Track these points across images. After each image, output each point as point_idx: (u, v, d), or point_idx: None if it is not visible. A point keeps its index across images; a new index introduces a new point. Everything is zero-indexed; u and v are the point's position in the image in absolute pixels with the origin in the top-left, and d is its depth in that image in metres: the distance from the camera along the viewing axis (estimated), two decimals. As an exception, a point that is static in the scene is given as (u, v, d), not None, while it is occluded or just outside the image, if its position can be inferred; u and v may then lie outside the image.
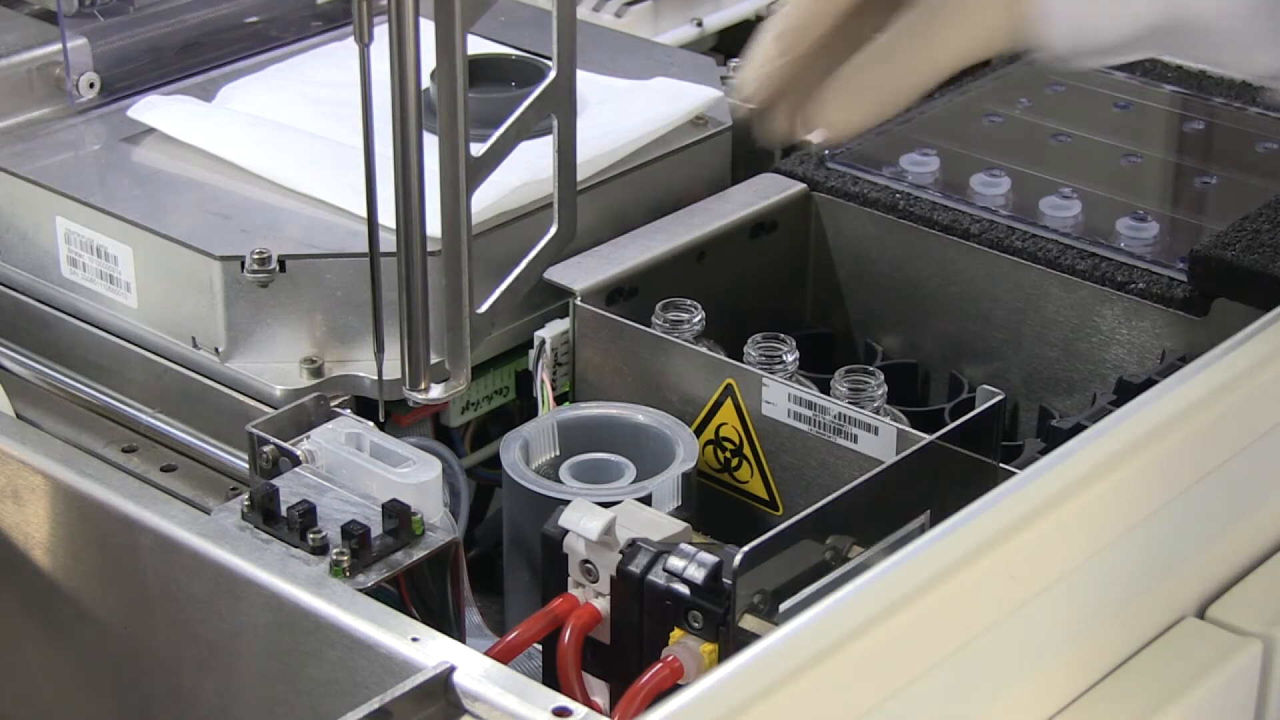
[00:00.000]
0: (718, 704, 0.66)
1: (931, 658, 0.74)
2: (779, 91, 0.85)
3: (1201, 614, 0.87)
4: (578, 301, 0.98)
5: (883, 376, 0.96)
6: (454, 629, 0.86)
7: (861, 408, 0.93)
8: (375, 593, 0.82)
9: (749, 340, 0.97)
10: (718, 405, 0.96)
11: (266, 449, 0.88)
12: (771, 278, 1.08)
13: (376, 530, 0.83)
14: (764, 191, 1.07)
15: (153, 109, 1.06)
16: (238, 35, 1.15)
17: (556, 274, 0.97)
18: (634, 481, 0.93)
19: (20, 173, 1.02)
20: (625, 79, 1.13)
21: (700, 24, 1.34)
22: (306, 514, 0.84)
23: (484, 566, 1.00)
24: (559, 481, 0.93)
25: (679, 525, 0.87)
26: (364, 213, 0.86)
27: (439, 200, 0.85)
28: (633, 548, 0.83)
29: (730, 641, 0.80)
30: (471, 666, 0.77)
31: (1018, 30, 0.80)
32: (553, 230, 0.95)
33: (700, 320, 0.98)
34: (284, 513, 0.84)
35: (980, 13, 0.81)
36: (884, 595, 0.71)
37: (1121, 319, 1.02)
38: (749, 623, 0.80)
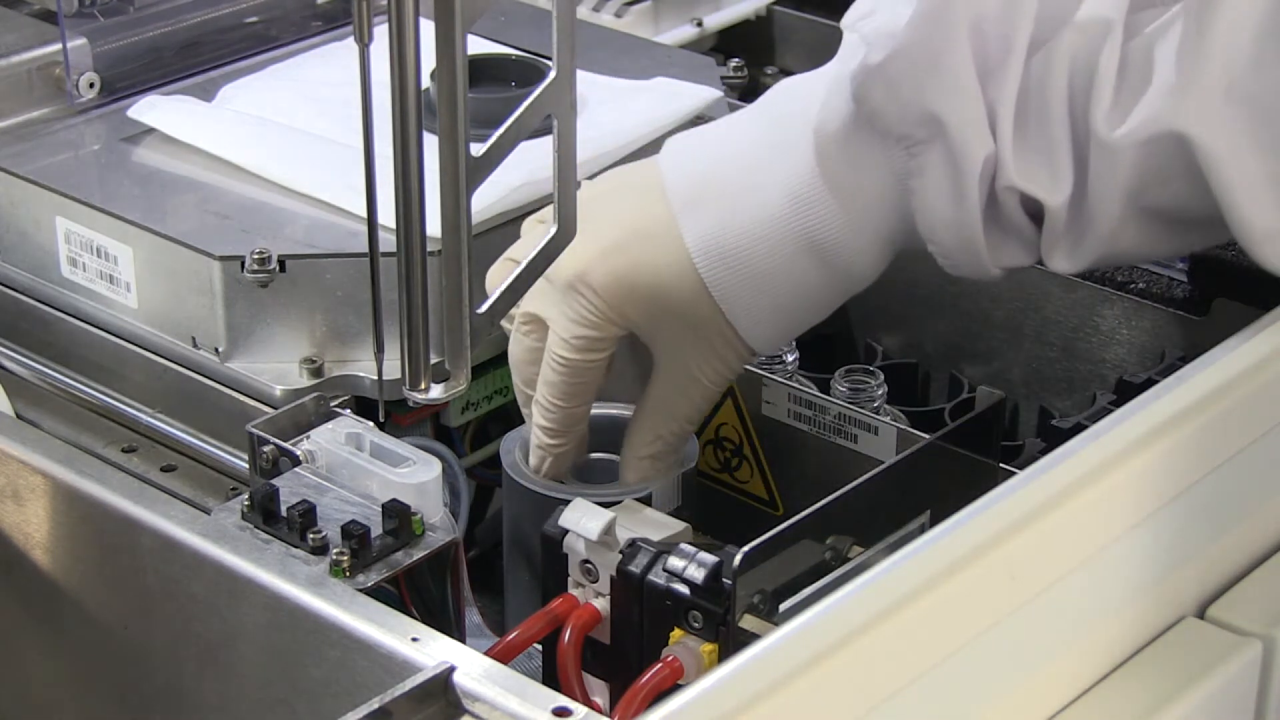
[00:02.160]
0: (718, 704, 0.66)
1: (932, 658, 0.74)
2: (572, 450, 0.93)
3: (1201, 614, 0.87)
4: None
5: (883, 376, 0.97)
6: (454, 629, 0.86)
7: (861, 408, 0.93)
8: (375, 593, 0.81)
9: (749, 340, 0.97)
10: (718, 405, 0.96)
11: (266, 449, 0.88)
12: (771, 278, 1.08)
13: (376, 530, 0.83)
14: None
15: (153, 109, 1.06)
16: (238, 35, 1.15)
17: (556, 274, 0.97)
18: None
19: (20, 173, 1.02)
20: (625, 79, 1.13)
21: (700, 24, 1.34)
22: (306, 514, 0.84)
23: (484, 566, 1.00)
24: (559, 481, 0.93)
25: (679, 525, 0.87)
26: (364, 213, 0.86)
27: (439, 200, 0.84)
28: (633, 548, 0.83)
29: (730, 641, 0.80)
30: (471, 666, 0.77)
31: (743, 356, 0.91)
32: (553, 230, 0.94)
33: (700, 320, 0.98)
34: (284, 513, 0.84)
35: (708, 357, 0.90)
36: (884, 595, 0.71)
37: (1121, 319, 1.02)
38: (749, 623, 0.80)
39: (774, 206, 0.88)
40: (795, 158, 0.89)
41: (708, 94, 1.10)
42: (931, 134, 0.85)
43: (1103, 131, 0.84)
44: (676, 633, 0.82)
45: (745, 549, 0.79)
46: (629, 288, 0.89)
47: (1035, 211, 0.87)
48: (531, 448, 0.93)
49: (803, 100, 0.90)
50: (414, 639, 0.79)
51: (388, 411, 0.93)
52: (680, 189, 0.90)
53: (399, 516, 0.83)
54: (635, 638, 0.84)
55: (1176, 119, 0.83)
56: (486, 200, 0.96)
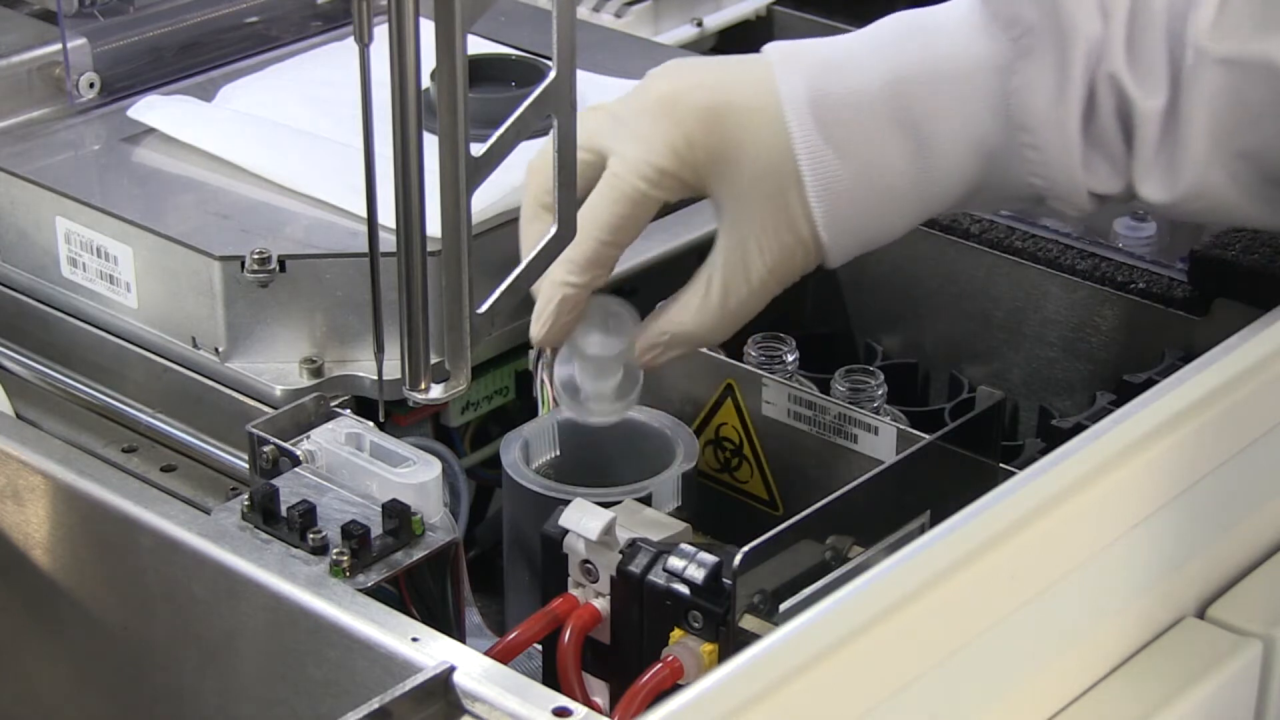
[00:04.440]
0: (718, 704, 0.66)
1: (932, 658, 0.74)
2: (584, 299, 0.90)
3: (1201, 614, 0.87)
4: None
5: (883, 376, 0.96)
6: (454, 629, 0.86)
7: (861, 408, 0.93)
8: (375, 593, 0.82)
9: (749, 340, 0.97)
10: (718, 405, 0.96)
11: (266, 449, 0.88)
12: (771, 278, 1.08)
13: (376, 530, 0.83)
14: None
15: (152, 109, 1.06)
16: (238, 35, 1.15)
17: (556, 274, 0.97)
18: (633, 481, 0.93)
19: (20, 173, 1.01)
20: (625, 79, 1.12)
21: (700, 24, 1.34)
22: (306, 514, 0.84)
23: (484, 566, 1.00)
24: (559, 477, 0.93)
25: (679, 525, 0.87)
26: (364, 213, 0.86)
27: (439, 200, 0.84)
28: (633, 548, 0.83)
29: (730, 641, 0.80)
30: (471, 666, 0.77)
31: (810, 252, 0.87)
32: (553, 230, 0.94)
33: (700, 320, 0.98)
34: (284, 513, 0.84)
35: (783, 231, 0.87)
36: (884, 595, 0.71)
37: (1122, 319, 1.02)
38: (749, 623, 0.80)
39: (873, 78, 0.86)
40: (900, 43, 0.87)
41: (708, 94, 1.10)
42: (1042, 14, 0.85)
43: (1199, 38, 0.84)
44: (676, 633, 0.82)
45: (745, 549, 0.79)
46: (713, 125, 0.86)
47: (1126, 128, 0.86)
48: (543, 287, 0.89)
49: (911, 12, 0.89)
50: (414, 639, 0.79)
51: (388, 411, 0.93)
52: (780, 52, 0.88)
53: (399, 516, 0.83)
54: (635, 638, 0.84)
55: (1273, 50, 0.82)
56: (486, 200, 0.96)
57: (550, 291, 0.89)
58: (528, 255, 0.85)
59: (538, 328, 0.90)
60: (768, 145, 0.86)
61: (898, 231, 0.89)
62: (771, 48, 0.88)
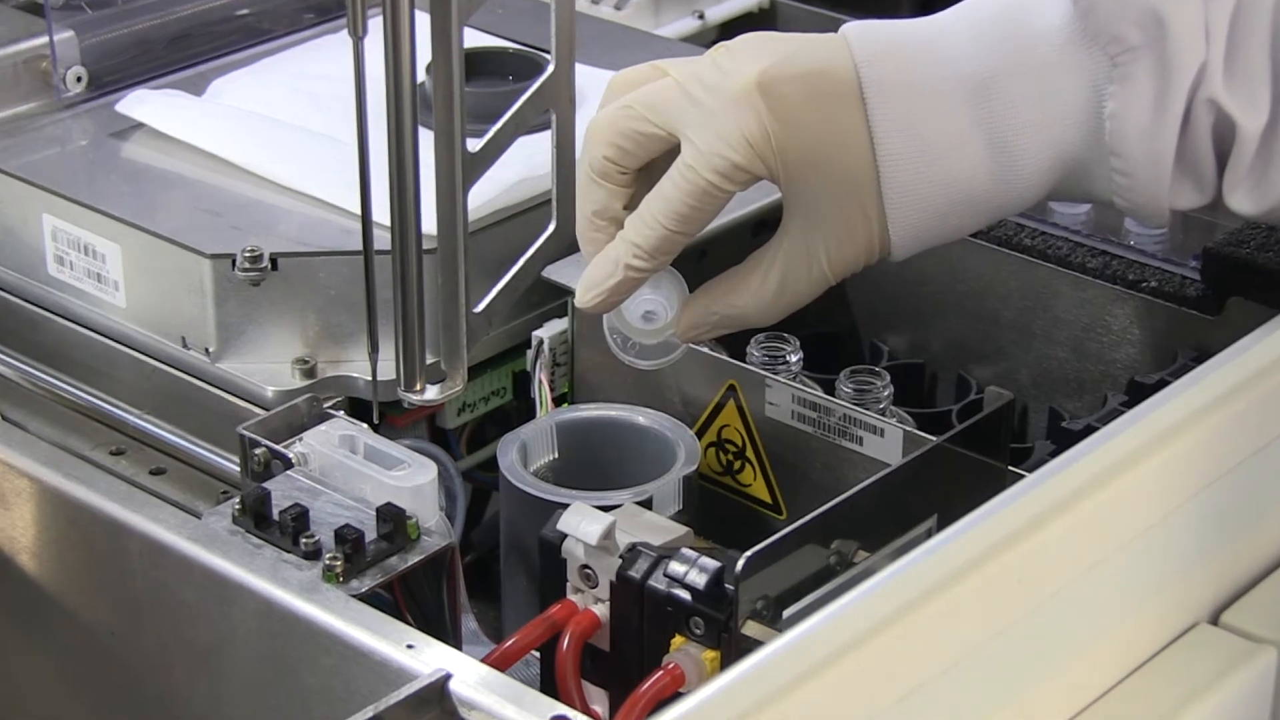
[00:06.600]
0: (720, 712, 0.66)
1: (938, 665, 0.74)
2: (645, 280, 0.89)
3: (1215, 620, 0.87)
4: (577, 301, 0.97)
5: (889, 377, 0.96)
6: (450, 635, 0.86)
7: (867, 409, 0.93)
8: (369, 598, 0.81)
9: (752, 340, 0.97)
10: (720, 406, 0.96)
11: (258, 451, 0.87)
12: (774, 276, 1.07)
13: (371, 534, 0.83)
14: (766, 188, 1.06)
15: (141, 103, 1.06)
16: (228, 28, 1.15)
17: (555, 272, 0.96)
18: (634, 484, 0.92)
19: (6, 169, 1.01)
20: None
21: (702, 17, 1.34)
22: (299, 518, 0.83)
23: (481, 571, 1.00)
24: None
25: (680, 529, 0.86)
26: (358, 209, 0.85)
27: (435, 197, 0.84)
28: (633, 552, 0.83)
29: (732, 648, 0.80)
30: (468, 674, 0.77)
31: (874, 251, 0.87)
32: (551, 228, 0.93)
33: (702, 319, 0.97)
34: (276, 517, 0.84)
35: (854, 229, 0.86)
36: (890, 601, 0.71)
37: (1133, 318, 1.01)
38: (751, 629, 0.79)
39: (961, 83, 0.85)
40: (991, 44, 0.86)
41: (709, 89, 1.09)
42: (1146, 38, 0.84)
43: None
44: (678, 639, 0.81)
45: (748, 554, 0.79)
46: (795, 123, 0.85)
47: (1220, 144, 0.85)
48: (600, 261, 0.88)
49: (1005, 3, 0.88)
50: (409, 646, 0.79)
51: (382, 413, 0.93)
52: (865, 45, 0.86)
53: (394, 520, 0.83)
54: (635, 644, 0.83)
55: None
56: (483, 197, 0.96)
57: (608, 268, 0.87)
58: (581, 225, 0.85)
59: (588, 297, 0.88)
60: (848, 148, 0.85)
61: (966, 233, 0.89)
62: (856, 35, 0.87)
